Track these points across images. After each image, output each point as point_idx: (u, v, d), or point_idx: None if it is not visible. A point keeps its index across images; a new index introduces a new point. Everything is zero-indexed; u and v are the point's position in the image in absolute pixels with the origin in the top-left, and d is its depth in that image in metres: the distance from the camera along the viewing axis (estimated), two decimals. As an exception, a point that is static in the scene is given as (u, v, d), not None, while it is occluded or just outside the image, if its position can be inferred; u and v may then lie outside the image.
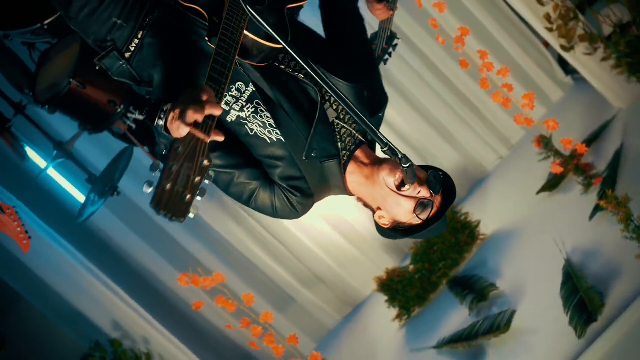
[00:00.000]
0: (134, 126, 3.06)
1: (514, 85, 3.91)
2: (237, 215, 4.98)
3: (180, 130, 1.43)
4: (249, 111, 1.93)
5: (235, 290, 4.08)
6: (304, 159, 1.93)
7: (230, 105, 1.92)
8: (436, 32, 4.28)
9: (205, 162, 1.37)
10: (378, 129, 2.00)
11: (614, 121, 4.11)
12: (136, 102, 3.09)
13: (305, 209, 2.01)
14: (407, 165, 1.83)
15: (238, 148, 1.96)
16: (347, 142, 2.02)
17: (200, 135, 1.40)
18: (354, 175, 2.02)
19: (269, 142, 1.94)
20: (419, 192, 1.90)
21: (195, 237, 4.80)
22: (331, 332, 5.19)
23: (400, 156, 1.82)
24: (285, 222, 4.96)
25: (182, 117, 1.44)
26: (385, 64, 2.75)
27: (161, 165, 1.32)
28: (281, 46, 1.76)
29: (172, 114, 1.50)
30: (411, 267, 4.48)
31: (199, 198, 1.34)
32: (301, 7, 2.04)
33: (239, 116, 1.93)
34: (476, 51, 3.97)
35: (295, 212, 2.00)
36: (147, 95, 1.97)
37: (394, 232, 2.02)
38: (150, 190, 1.31)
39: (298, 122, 1.93)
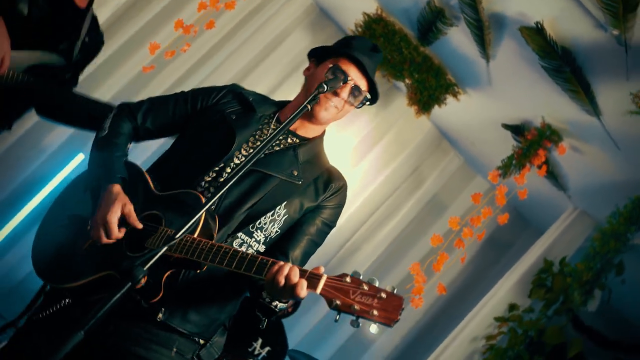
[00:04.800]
0: (269, 348, 3.18)
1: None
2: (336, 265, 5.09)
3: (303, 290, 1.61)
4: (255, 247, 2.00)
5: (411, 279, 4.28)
6: (300, 182, 2.02)
7: None
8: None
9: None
10: (265, 106, 2.14)
11: None
12: (239, 347, 3.18)
13: (342, 178, 2.14)
14: (324, 88, 1.94)
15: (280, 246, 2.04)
16: (281, 140, 2.08)
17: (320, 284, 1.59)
18: (311, 130, 2.13)
19: (280, 222, 2.01)
20: (341, 89, 2.03)
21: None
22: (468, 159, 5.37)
23: (315, 93, 1.93)
24: (364, 211, 5.18)
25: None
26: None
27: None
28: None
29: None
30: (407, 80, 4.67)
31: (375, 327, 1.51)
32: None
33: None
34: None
35: (344, 193, 2.12)
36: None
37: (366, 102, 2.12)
38: (376, 327, 1.49)
39: (264, 194, 1.98)
